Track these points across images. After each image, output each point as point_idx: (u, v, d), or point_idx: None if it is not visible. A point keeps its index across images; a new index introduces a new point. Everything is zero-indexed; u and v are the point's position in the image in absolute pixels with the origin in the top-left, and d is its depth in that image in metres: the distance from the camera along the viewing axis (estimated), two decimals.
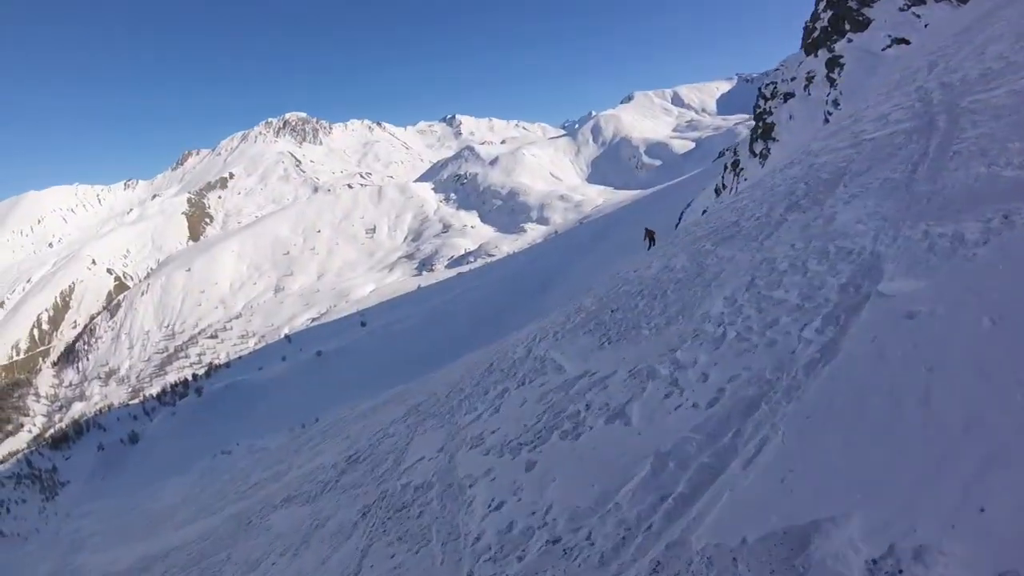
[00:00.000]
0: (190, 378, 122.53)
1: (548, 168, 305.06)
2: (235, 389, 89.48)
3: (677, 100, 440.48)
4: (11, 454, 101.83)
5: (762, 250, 10.69)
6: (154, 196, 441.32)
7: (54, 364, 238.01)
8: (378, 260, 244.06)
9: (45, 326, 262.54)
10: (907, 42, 38.35)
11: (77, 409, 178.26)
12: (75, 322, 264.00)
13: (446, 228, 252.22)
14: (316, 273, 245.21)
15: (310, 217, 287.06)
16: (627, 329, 11.08)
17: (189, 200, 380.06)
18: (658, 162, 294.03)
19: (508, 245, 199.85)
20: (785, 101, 51.11)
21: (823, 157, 17.19)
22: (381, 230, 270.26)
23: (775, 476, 4.67)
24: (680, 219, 68.54)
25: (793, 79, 50.89)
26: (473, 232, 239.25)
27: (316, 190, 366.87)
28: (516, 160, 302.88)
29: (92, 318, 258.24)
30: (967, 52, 21.25)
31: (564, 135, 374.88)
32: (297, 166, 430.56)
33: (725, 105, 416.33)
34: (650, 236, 35.00)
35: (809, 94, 47.21)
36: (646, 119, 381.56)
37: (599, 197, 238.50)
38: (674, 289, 11.72)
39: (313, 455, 26.25)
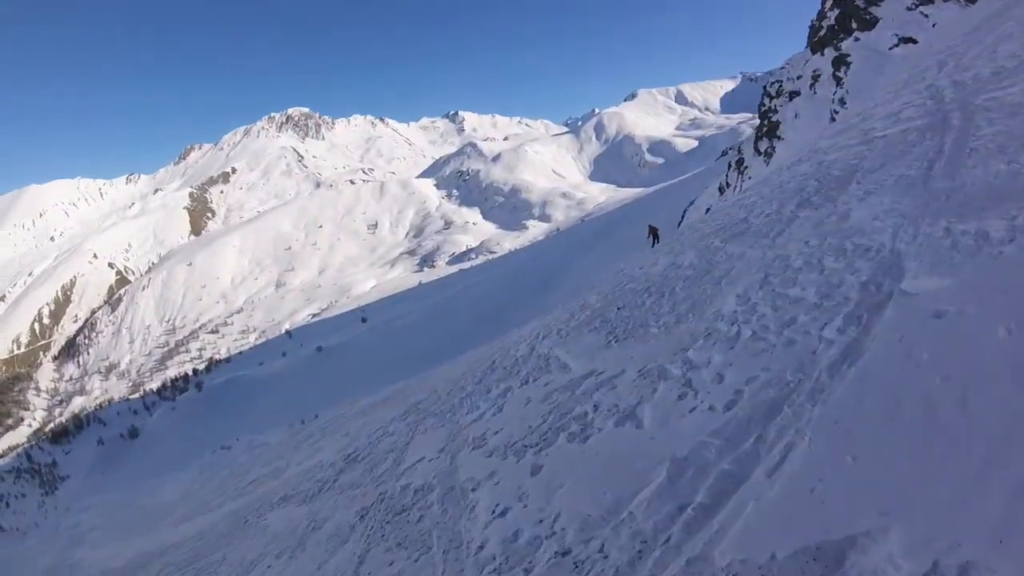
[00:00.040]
0: (190, 373, 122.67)
1: (551, 165, 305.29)
2: (235, 384, 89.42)
3: (681, 98, 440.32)
4: (11, 448, 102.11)
5: (774, 247, 10.39)
6: (156, 190, 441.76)
7: (55, 358, 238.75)
8: (379, 256, 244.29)
9: (46, 320, 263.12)
10: (915, 41, 38.08)
11: (77, 403, 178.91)
12: (76, 316, 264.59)
13: (448, 224, 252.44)
14: (317, 268, 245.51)
15: (312, 212, 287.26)
16: (635, 327, 10.73)
17: (191, 194, 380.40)
18: (661, 160, 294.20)
19: (510, 242, 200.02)
20: (791, 99, 50.75)
21: (833, 154, 16.90)
22: (383, 226, 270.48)
23: (804, 486, 4.35)
24: (683, 217, 68.32)
25: (799, 77, 50.54)
26: (475, 229, 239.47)
27: (318, 185, 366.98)
28: (519, 157, 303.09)
29: (93, 312, 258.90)
30: (978, 51, 20.99)
31: (567, 132, 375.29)
32: (299, 161, 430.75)
33: (729, 104, 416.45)
34: (654, 233, 34.75)
35: (815, 93, 46.88)
36: (649, 117, 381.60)
37: (601, 195, 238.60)
38: (683, 287, 11.38)
39: (312, 452, 26.01)
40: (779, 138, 50.15)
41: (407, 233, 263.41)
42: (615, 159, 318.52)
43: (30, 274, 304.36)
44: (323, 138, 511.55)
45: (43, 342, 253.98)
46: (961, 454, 3.90)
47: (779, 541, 4.04)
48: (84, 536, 44.50)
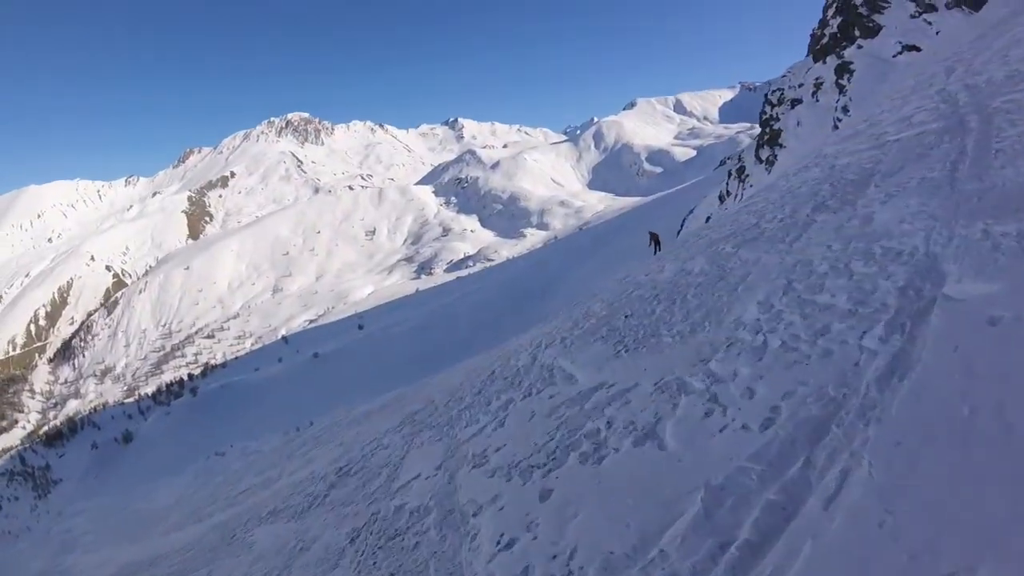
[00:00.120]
0: (186, 378, 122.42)
1: (549, 173, 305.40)
2: (231, 390, 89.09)
3: (679, 107, 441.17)
4: (4, 451, 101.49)
5: (792, 252, 9.85)
6: (155, 193, 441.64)
7: (50, 360, 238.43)
8: (377, 262, 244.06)
9: (42, 322, 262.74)
10: (918, 49, 37.91)
11: (72, 407, 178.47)
12: (72, 318, 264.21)
13: (446, 232, 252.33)
14: (315, 274, 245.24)
15: (310, 218, 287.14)
16: (645, 336, 10.06)
17: (189, 198, 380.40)
18: (659, 169, 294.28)
19: (508, 250, 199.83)
20: (792, 107, 50.55)
21: (844, 159, 16.49)
22: (381, 232, 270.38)
23: (870, 520, 3.68)
24: (682, 226, 67.95)
25: (801, 86, 50.34)
26: (473, 236, 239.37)
27: (317, 191, 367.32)
28: (517, 165, 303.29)
29: (89, 315, 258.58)
30: (988, 56, 20.76)
31: (566, 140, 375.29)
32: (298, 166, 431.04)
33: (727, 113, 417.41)
34: (655, 240, 34.40)
35: (817, 100, 46.66)
36: (648, 126, 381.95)
37: (600, 203, 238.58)
38: (695, 293, 10.77)
39: (305, 462, 25.51)
40: (781, 146, 49.89)
41: (405, 240, 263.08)
42: (613, 168, 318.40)
43: (27, 275, 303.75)
44: (322, 143, 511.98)
45: (39, 344, 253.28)
46: None
47: None
48: (76, 541, 44.15)
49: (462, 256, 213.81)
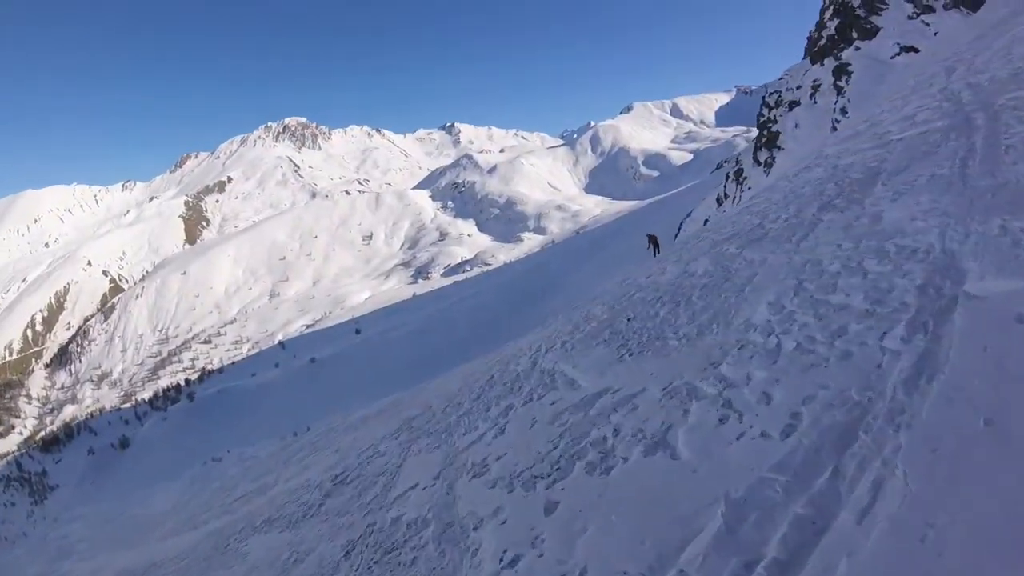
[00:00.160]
0: (182, 383, 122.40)
1: (546, 178, 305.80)
2: (228, 395, 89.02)
3: (676, 111, 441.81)
4: (1, 456, 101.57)
5: (799, 252, 9.55)
6: (151, 198, 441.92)
7: (47, 366, 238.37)
8: (374, 267, 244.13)
9: (39, 327, 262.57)
10: (916, 50, 37.77)
11: (68, 412, 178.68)
12: (69, 323, 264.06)
13: (443, 236, 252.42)
14: (312, 279, 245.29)
15: (307, 223, 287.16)
16: (650, 339, 9.72)
17: (186, 203, 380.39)
18: (656, 173, 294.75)
19: (505, 254, 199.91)
20: (790, 110, 50.35)
21: (847, 159, 16.24)
22: (378, 237, 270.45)
23: (910, 534, 3.35)
24: (680, 229, 67.80)
25: (798, 88, 50.16)
26: (470, 241, 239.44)
27: (314, 196, 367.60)
28: (514, 169, 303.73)
29: (86, 320, 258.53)
30: (990, 55, 20.59)
31: (563, 145, 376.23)
32: (295, 171, 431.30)
33: (724, 117, 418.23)
34: (653, 242, 34.22)
35: (815, 102, 46.49)
36: (645, 130, 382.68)
37: (596, 207, 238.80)
38: (700, 295, 10.44)
39: (301, 469, 25.24)
40: (779, 148, 49.68)
41: (402, 244, 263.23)
42: (610, 172, 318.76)
43: (24, 280, 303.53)
44: (319, 148, 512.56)
45: (35, 349, 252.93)
46: None
47: None
48: (72, 547, 44.14)
49: (459, 260, 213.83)
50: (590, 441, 7.18)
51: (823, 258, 8.54)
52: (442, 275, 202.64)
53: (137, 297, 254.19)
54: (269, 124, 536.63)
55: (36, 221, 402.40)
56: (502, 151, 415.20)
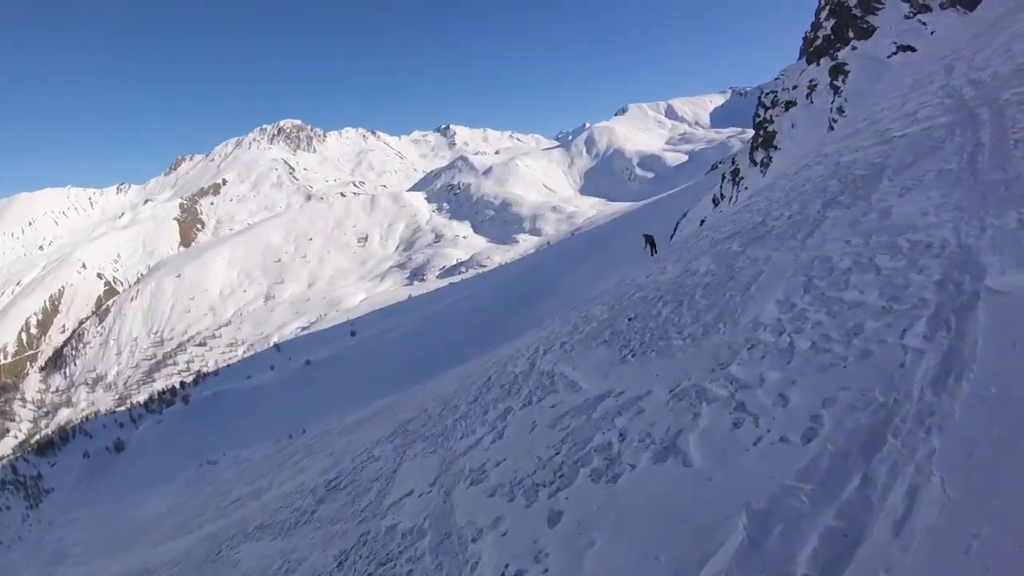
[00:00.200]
0: (178, 386, 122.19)
1: (541, 179, 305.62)
2: (223, 397, 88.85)
3: (671, 113, 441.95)
4: None
5: (806, 249, 9.30)
6: (146, 201, 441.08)
7: (41, 369, 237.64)
8: (369, 269, 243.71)
9: (34, 330, 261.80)
10: (913, 49, 37.78)
11: (63, 415, 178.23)
12: (64, 326, 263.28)
13: (438, 238, 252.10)
14: (307, 281, 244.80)
15: (302, 225, 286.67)
16: (653, 340, 9.44)
17: (181, 205, 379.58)
18: (651, 174, 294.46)
19: (500, 255, 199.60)
20: (787, 110, 50.36)
21: (849, 156, 16.08)
22: (373, 239, 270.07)
23: (953, 546, 3.06)
24: (675, 230, 67.67)
25: (795, 88, 50.15)
26: (465, 242, 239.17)
27: (309, 198, 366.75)
28: (509, 171, 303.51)
29: (81, 323, 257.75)
30: (990, 52, 20.55)
31: (558, 146, 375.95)
32: (290, 173, 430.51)
33: (718, 118, 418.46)
34: (650, 242, 34.12)
35: (812, 102, 46.48)
36: (640, 131, 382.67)
37: (592, 208, 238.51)
38: (703, 294, 10.16)
39: (295, 472, 25.01)
40: (776, 148, 49.67)
41: (397, 246, 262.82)
42: (605, 173, 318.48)
43: (18, 283, 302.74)
44: (314, 151, 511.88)
45: (30, 352, 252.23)
46: None
47: None
48: (67, 551, 44.06)
49: (455, 262, 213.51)
50: (594, 446, 6.83)
51: (832, 255, 8.28)
52: (438, 277, 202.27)
53: (132, 300, 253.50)
54: (264, 126, 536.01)
55: (30, 224, 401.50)
56: (497, 153, 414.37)
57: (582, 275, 78.47)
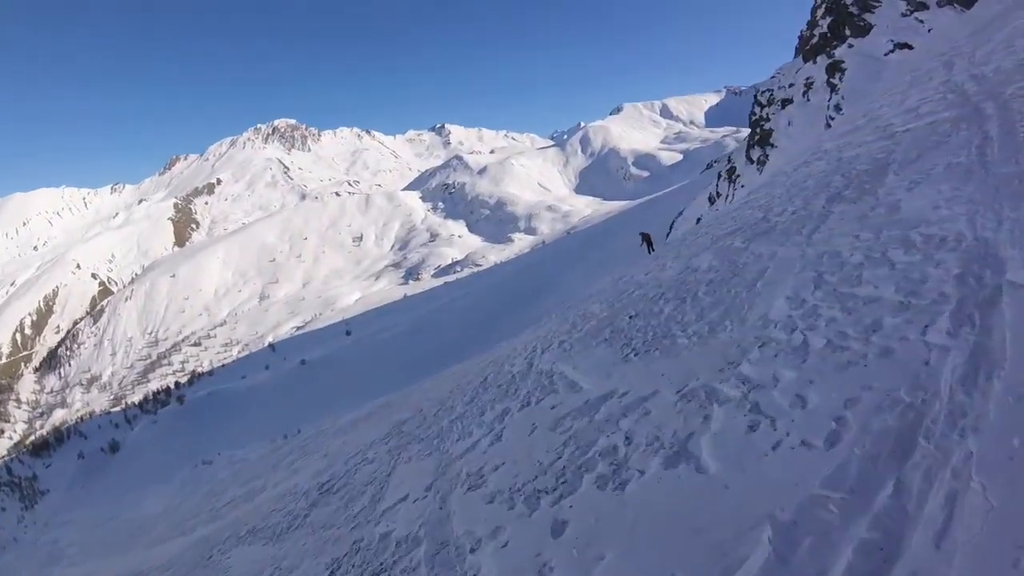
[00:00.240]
0: (172, 386, 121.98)
1: (536, 178, 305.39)
2: (218, 397, 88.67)
3: (666, 112, 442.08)
4: None
5: (812, 244, 9.06)
6: (141, 201, 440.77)
7: (36, 370, 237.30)
8: (364, 268, 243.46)
9: (28, 331, 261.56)
10: (910, 47, 37.64)
11: (58, 416, 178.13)
12: (58, 327, 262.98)
13: (433, 237, 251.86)
14: (302, 281, 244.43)
15: (297, 224, 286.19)
16: (656, 338, 9.14)
17: (176, 205, 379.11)
18: (646, 173, 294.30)
19: (495, 255, 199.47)
20: (783, 107, 50.15)
21: (850, 151, 15.94)
22: (368, 238, 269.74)
23: (1001, 559, 2.81)
24: (671, 229, 67.43)
25: (791, 86, 49.97)
26: (460, 242, 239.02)
27: (304, 197, 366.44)
28: (504, 170, 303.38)
29: (75, 323, 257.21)
30: (991, 48, 20.48)
31: (553, 146, 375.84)
32: (285, 173, 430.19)
33: (713, 117, 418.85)
34: (647, 240, 34.01)
35: (808, 100, 46.31)
36: (635, 130, 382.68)
37: (587, 207, 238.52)
38: (707, 291, 9.88)
39: (290, 473, 24.74)
40: (772, 146, 49.49)
41: (392, 246, 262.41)
42: (600, 172, 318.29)
43: (12, 284, 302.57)
44: (309, 150, 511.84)
45: (24, 353, 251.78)
46: None
47: None
48: (63, 552, 43.94)
49: (450, 261, 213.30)
50: (599, 450, 6.48)
51: (842, 249, 8.05)
52: (433, 276, 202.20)
53: (126, 300, 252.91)
54: (259, 126, 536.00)
55: (25, 224, 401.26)
56: (492, 152, 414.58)
57: (578, 274, 78.17)
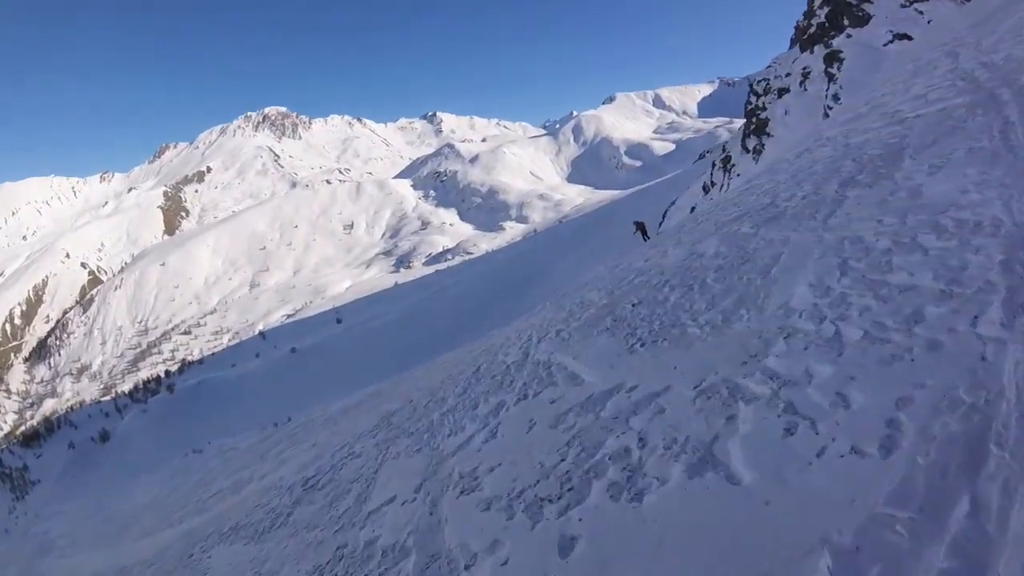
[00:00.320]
0: (163, 375, 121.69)
1: (528, 167, 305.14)
2: (208, 386, 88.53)
3: (658, 102, 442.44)
4: None
5: (830, 229, 8.55)
6: (130, 189, 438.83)
7: (26, 360, 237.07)
8: (355, 256, 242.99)
9: (17, 320, 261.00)
10: (909, 38, 37.31)
11: (48, 406, 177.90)
12: (48, 317, 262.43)
13: (424, 225, 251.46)
14: (292, 269, 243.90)
15: (287, 212, 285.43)
16: (663, 327, 8.53)
17: (165, 193, 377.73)
18: (638, 163, 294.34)
19: (487, 243, 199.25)
20: (779, 97, 49.85)
21: (858, 137, 15.55)
22: (359, 226, 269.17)
23: None
24: (664, 218, 67.10)
25: (787, 75, 49.69)
26: (452, 230, 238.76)
27: (294, 185, 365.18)
28: (496, 158, 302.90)
29: (65, 313, 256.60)
30: (997, 38, 20.22)
31: (545, 134, 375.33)
32: (275, 161, 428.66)
33: (706, 108, 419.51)
34: (641, 228, 33.75)
35: (805, 89, 46.01)
36: (627, 120, 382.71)
37: (579, 197, 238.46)
38: (715, 278, 9.33)
39: (277, 464, 24.29)
40: (768, 135, 49.21)
41: (383, 234, 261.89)
42: (593, 161, 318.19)
43: (1, 274, 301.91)
44: (300, 138, 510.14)
45: (14, 343, 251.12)
46: None
47: None
48: (53, 544, 43.73)
49: (441, 250, 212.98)
50: (608, 453, 5.85)
51: (864, 234, 7.55)
52: (424, 264, 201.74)
53: (116, 289, 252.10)
54: (249, 114, 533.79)
55: (14, 214, 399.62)
56: (484, 140, 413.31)
57: (571, 262, 77.88)
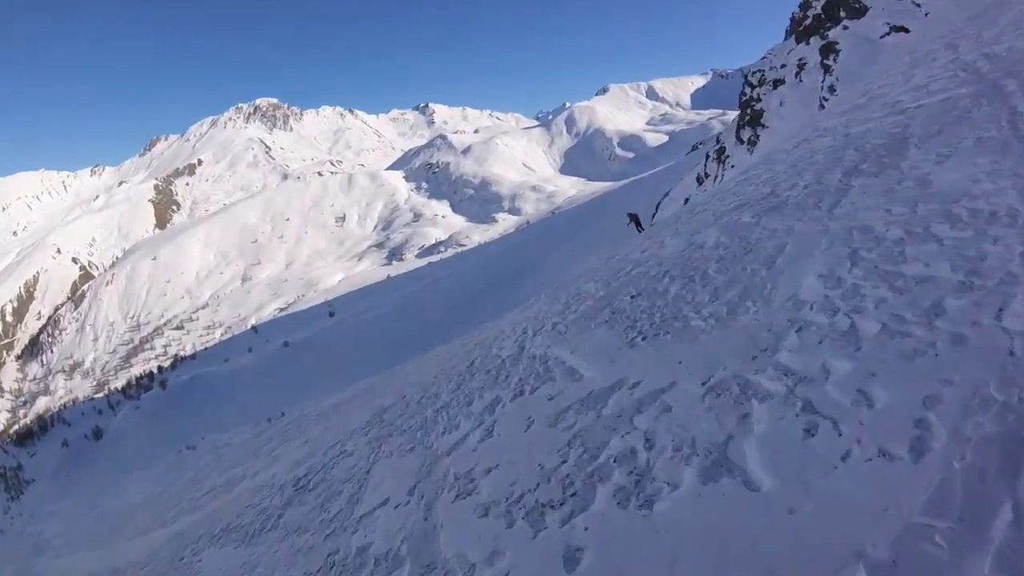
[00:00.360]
0: (155, 371, 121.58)
1: (521, 158, 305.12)
2: (201, 381, 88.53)
3: (652, 94, 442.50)
4: None
5: (835, 218, 8.33)
6: (121, 183, 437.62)
7: (18, 357, 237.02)
8: (347, 249, 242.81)
9: (9, 318, 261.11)
10: (906, 30, 37.29)
11: (42, 404, 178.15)
12: (39, 313, 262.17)
13: (417, 217, 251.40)
14: (284, 262, 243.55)
15: (279, 205, 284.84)
16: (665, 320, 8.26)
17: (156, 187, 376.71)
18: (631, 154, 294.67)
19: (479, 235, 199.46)
20: (775, 88, 49.81)
21: (859, 127, 15.40)
22: (351, 219, 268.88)
23: None
24: (657, 209, 67.02)
25: (783, 66, 49.65)
26: (444, 222, 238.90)
27: (285, 177, 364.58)
28: (489, 150, 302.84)
29: (57, 309, 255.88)
30: (999, 30, 20.10)
31: (538, 126, 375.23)
32: (267, 152, 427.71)
33: (699, 100, 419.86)
34: (635, 220, 33.68)
35: (801, 81, 45.99)
36: (620, 112, 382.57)
37: (572, 188, 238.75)
38: (717, 268, 9.08)
39: (269, 461, 24.06)
40: (763, 126, 49.24)
41: (375, 226, 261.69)
42: (585, 153, 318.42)
43: None
44: (291, 129, 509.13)
45: (6, 341, 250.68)
46: None
47: None
48: (48, 543, 43.67)
49: (433, 241, 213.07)
50: (613, 454, 5.54)
51: (873, 224, 7.33)
52: (416, 256, 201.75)
53: (107, 284, 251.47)
54: (240, 105, 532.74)
55: (3, 209, 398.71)
56: (476, 132, 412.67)
57: (564, 254, 77.88)
